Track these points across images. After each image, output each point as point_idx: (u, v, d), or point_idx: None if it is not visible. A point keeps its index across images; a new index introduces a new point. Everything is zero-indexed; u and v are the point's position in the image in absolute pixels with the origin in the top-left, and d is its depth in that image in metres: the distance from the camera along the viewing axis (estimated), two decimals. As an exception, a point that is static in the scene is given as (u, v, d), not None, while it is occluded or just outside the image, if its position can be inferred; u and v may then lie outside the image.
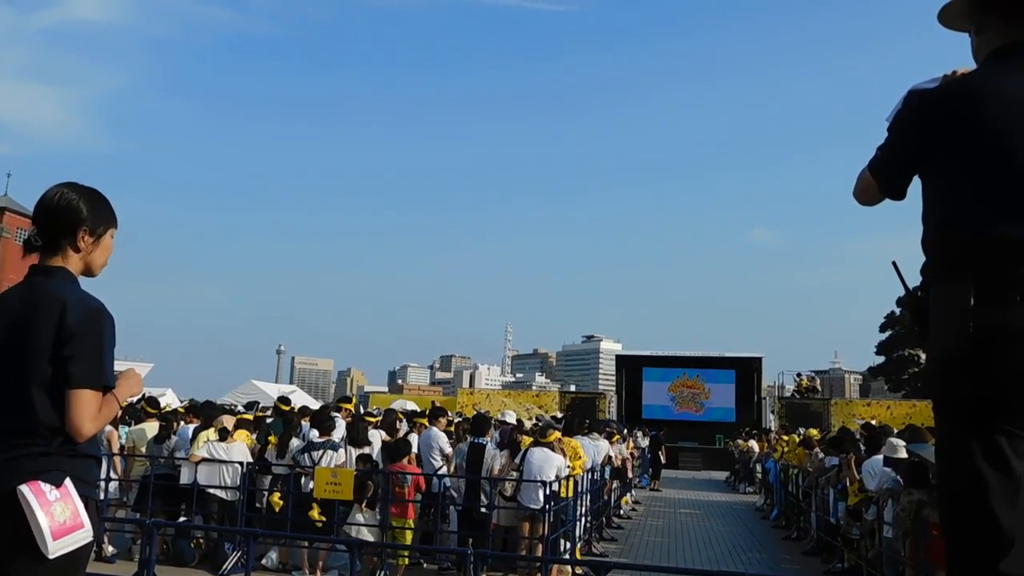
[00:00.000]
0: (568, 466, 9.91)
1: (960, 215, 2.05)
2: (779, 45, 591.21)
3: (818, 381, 47.00)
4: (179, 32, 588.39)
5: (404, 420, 13.14)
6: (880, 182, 2.28)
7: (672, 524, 15.86)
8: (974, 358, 1.92)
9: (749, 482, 24.00)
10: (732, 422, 35.55)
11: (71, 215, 2.54)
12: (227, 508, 9.72)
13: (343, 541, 8.48)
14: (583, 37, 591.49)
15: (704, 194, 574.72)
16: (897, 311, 59.70)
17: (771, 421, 36.23)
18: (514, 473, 9.37)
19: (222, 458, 9.58)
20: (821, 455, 12.76)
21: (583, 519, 11.45)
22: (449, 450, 10.48)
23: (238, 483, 9.60)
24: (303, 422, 11.21)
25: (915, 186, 2.24)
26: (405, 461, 9.43)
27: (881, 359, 65.78)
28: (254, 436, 10.58)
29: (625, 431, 22.36)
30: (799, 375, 41.86)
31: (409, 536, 9.18)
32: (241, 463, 9.61)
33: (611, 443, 15.47)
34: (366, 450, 9.94)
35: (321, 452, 9.50)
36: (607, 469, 14.21)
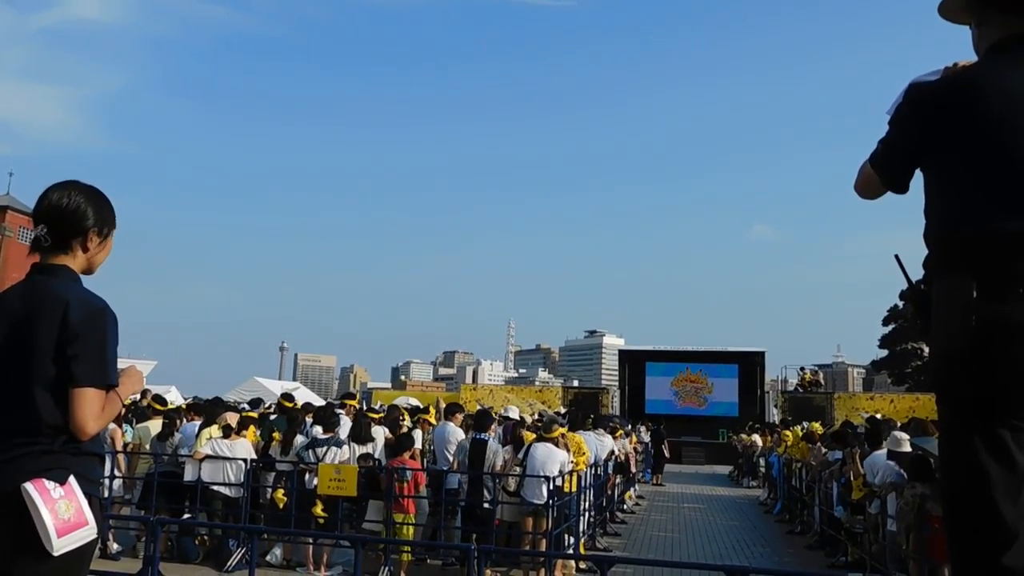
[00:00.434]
0: (571, 461, 9.92)
1: (962, 209, 2.04)
2: (779, 43, 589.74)
3: (821, 375, 46.95)
4: (179, 32, 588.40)
5: (407, 416, 13.13)
6: (882, 176, 2.27)
7: (676, 519, 15.87)
8: (976, 353, 1.92)
9: (752, 476, 24.01)
10: (735, 416, 35.55)
11: (83, 215, 2.55)
12: (231, 505, 9.74)
13: (347, 537, 8.50)
14: (584, 35, 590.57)
15: (705, 191, 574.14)
16: (900, 305, 59.59)
17: (774, 415, 36.23)
18: (517, 469, 9.38)
19: (226, 455, 9.60)
20: (824, 450, 12.75)
21: (586, 514, 11.46)
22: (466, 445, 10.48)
23: (242, 480, 9.62)
24: (307, 419, 11.23)
25: (917, 179, 2.24)
26: (407, 456, 9.44)
27: (884, 353, 65.64)
28: (258, 433, 10.61)
29: (629, 426, 22.36)
30: (802, 369, 41.85)
31: (410, 531, 9.20)
32: (245, 460, 9.63)
33: (614, 438, 15.47)
34: (368, 447, 9.96)
35: (325, 449, 9.52)
36: (610, 464, 14.22)
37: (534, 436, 9.85)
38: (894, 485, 8.26)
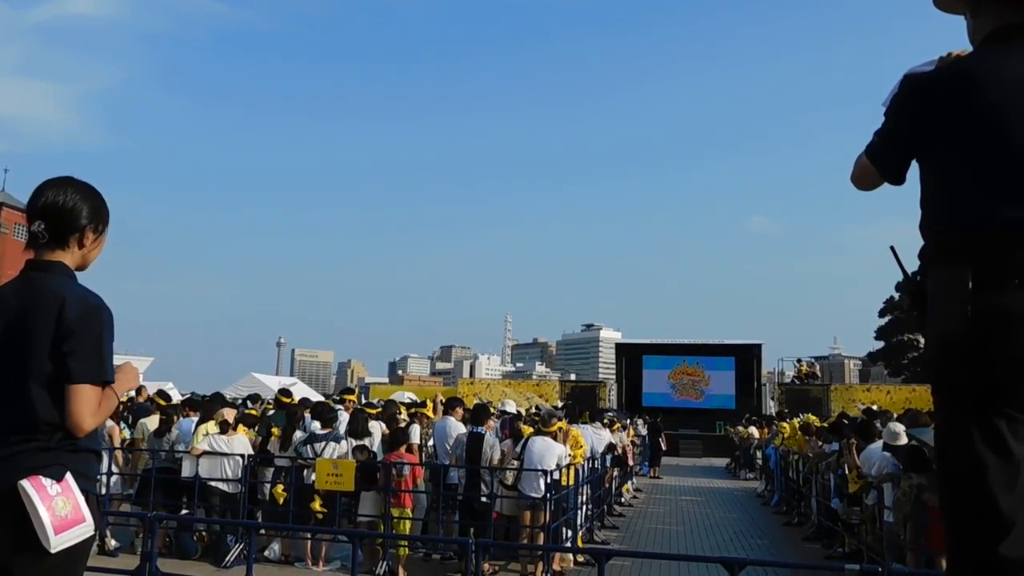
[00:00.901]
0: (569, 455, 9.93)
1: (957, 199, 2.04)
2: (776, 33, 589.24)
3: (818, 367, 47.10)
4: (174, 27, 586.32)
5: (404, 411, 13.13)
6: (878, 167, 2.27)
7: (673, 511, 15.91)
8: (973, 343, 1.92)
9: (750, 468, 24.05)
10: (732, 409, 35.59)
11: (80, 212, 2.55)
12: (229, 501, 9.75)
13: (345, 532, 8.50)
14: (578, 27, 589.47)
15: (702, 183, 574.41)
16: (896, 296, 59.73)
17: (771, 407, 36.29)
18: (515, 462, 9.39)
19: (223, 451, 9.60)
20: (821, 443, 12.78)
21: (584, 507, 11.48)
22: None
23: (239, 476, 9.62)
24: (305, 414, 11.23)
25: (913, 170, 2.23)
26: (403, 450, 9.44)
27: (880, 344, 65.84)
28: (254, 430, 10.59)
29: (627, 420, 22.40)
30: (799, 361, 41.93)
31: (408, 526, 9.21)
32: (242, 456, 9.62)
33: (611, 432, 15.49)
34: (364, 441, 9.96)
35: (324, 444, 9.52)
36: (608, 457, 14.24)
37: (532, 430, 9.86)
38: (890, 476, 8.28)
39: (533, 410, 17.88)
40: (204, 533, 9.81)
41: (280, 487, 9.57)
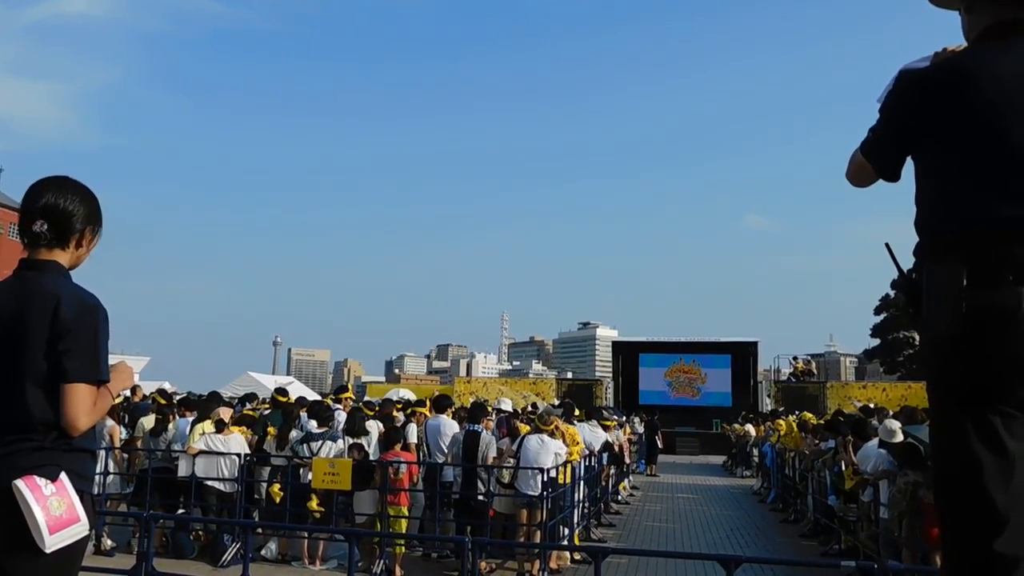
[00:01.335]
0: (567, 452, 9.93)
1: (952, 195, 2.04)
2: (770, 32, 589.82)
3: (814, 364, 47.17)
4: (169, 25, 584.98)
5: (400, 410, 13.13)
6: (873, 164, 2.27)
7: (670, 509, 15.93)
8: (967, 339, 1.92)
9: (746, 466, 24.10)
10: (728, 407, 35.67)
11: (82, 213, 2.55)
12: (225, 500, 9.74)
13: (342, 531, 8.49)
14: (575, 26, 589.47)
15: (697, 181, 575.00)
16: (892, 293, 59.78)
17: (767, 405, 36.35)
18: (511, 460, 9.39)
19: (219, 450, 9.59)
20: (817, 441, 12.80)
21: (581, 505, 11.48)
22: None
23: (236, 475, 9.61)
24: (301, 413, 11.22)
25: (908, 167, 2.23)
26: (398, 448, 9.43)
27: (876, 342, 65.93)
28: (250, 430, 10.58)
29: (624, 418, 22.40)
30: (795, 359, 42.00)
31: (404, 524, 9.21)
32: (239, 455, 9.61)
33: (607, 430, 15.49)
34: (361, 440, 9.95)
35: (320, 443, 9.51)
36: (605, 456, 14.25)
37: (529, 428, 9.86)
38: (886, 473, 8.30)
39: (529, 408, 17.89)
40: (201, 532, 9.80)
41: (276, 486, 9.57)
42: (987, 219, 1.95)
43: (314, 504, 9.17)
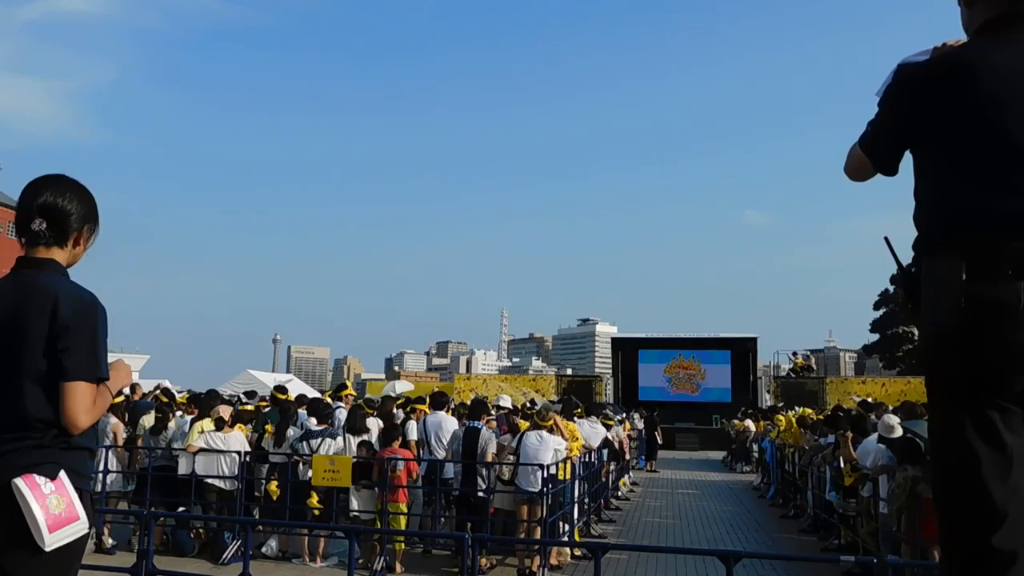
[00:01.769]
0: (567, 447, 9.93)
1: (951, 190, 2.04)
2: (769, 26, 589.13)
3: (813, 360, 47.18)
4: (166, 22, 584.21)
5: (400, 407, 13.12)
6: (872, 158, 2.27)
7: (670, 504, 15.94)
8: (966, 334, 1.92)
9: (746, 461, 24.11)
10: (728, 402, 35.68)
11: (80, 212, 2.55)
12: (225, 498, 9.74)
13: (342, 528, 8.50)
14: (574, 21, 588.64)
15: (696, 176, 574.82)
16: (891, 289, 59.78)
17: (767, 401, 36.37)
18: (511, 457, 9.39)
19: (219, 448, 9.59)
20: (816, 436, 12.80)
21: (581, 501, 11.48)
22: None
23: (236, 472, 9.61)
24: (300, 410, 11.21)
25: (907, 161, 2.23)
26: (396, 445, 9.44)
27: (875, 337, 65.92)
28: (249, 426, 10.58)
29: (623, 415, 22.40)
30: (794, 354, 42.01)
31: (403, 521, 9.22)
32: (239, 452, 9.61)
33: (608, 428, 15.49)
34: (365, 437, 9.95)
35: (319, 440, 9.51)
36: (605, 452, 14.26)
37: (528, 424, 9.86)
38: (886, 468, 8.30)
39: (528, 404, 17.89)
40: (201, 530, 9.81)
41: (273, 483, 9.57)
42: (986, 213, 1.95)
43: (314, 501, 9.17)
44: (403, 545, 9.11)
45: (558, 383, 40.93)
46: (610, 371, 41.66)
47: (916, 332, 2.26)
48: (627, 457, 18.66)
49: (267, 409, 12.01)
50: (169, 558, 8.84)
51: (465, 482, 9.61)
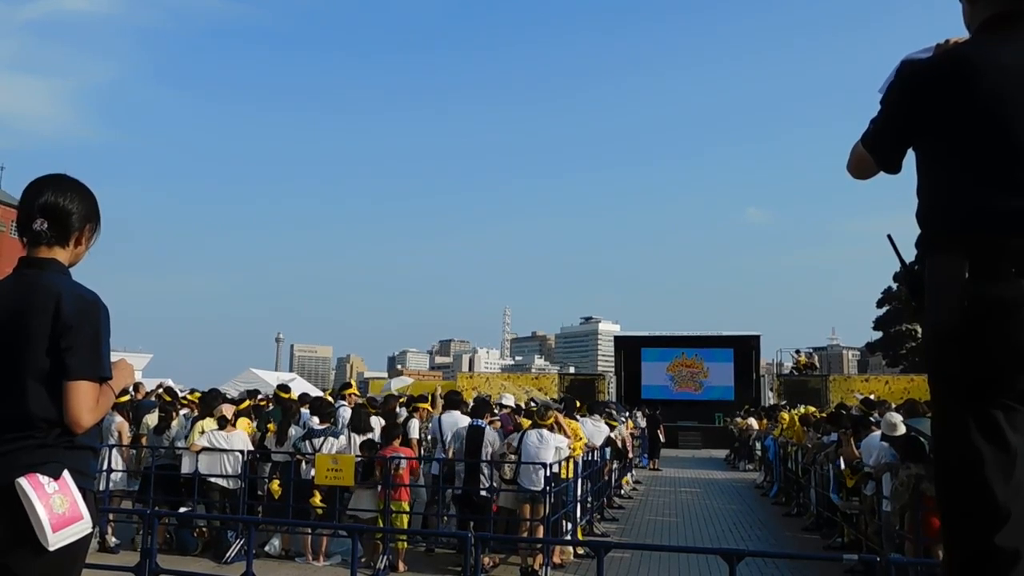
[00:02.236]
0: (569, 446, 9.93)
1: (954, 187, 2.03)
2: (769, 24, 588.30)
3: (816, 358, 47.14)
4: (168, 21, 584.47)
5: (403, 406, 13.13)
6: (874, 156, 2.26)
7: (673, 502, 15.94)
8: (969, 332, 1.91)
9: (748, 460, 24.09)
10: (731, 400, 35.68)
11: (81, 211, 2.55)
12: (228, 496, 9.75)
13: (345, 527, 8.51)
14: (576, 18, 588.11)
15: (698, 174, 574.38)
16: (894, 287, 59.71)
17: (770, 399, 36.35)
18: (512, 456, 9.39)
19: (222, 447, 9.60)
20: (819, 435, 12.79)
21: (584, 500, 11.48)
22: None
23: (239, 471, 9.62)
24: (303, 409, 11.21)
25: (909, 158, 2.22)
26: (396, 444, 9.45)
27: (879, 335, 65.86)
28: (254, 424, 10.60)
29: (626, 413, 22.40)
30: (797, 352, 41.98)
31: (405, 520, 9.22)
32: (242, 451, 9.62)
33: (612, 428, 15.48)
34: (368, 437, 9.96)
35: (322, 439, 9.52)
36: (607, 450, 14.26)
37: (529, 423, 9.86)
38: (888, 466, 8.29)
39: (531, 403, 17.89)
40: (204, 529, 9.82)
41: (275, 482, 9.58)
42: (989, 211, 1.95)
43: (317, 500, 9.18)
44: (406, 544, 9.11)
45: (561, 382, 40.94)
46: (613, 369, 41.66)
47: (919, 330, 2.26)
48: (630, 455, 18.65)
49: (270, 408, 12.02)
50: (172, 557, 8.84)
51: (468, 481, 9.60)
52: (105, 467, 9.72)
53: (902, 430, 8.12)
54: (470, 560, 6.23)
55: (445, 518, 10.03)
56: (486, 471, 9.33)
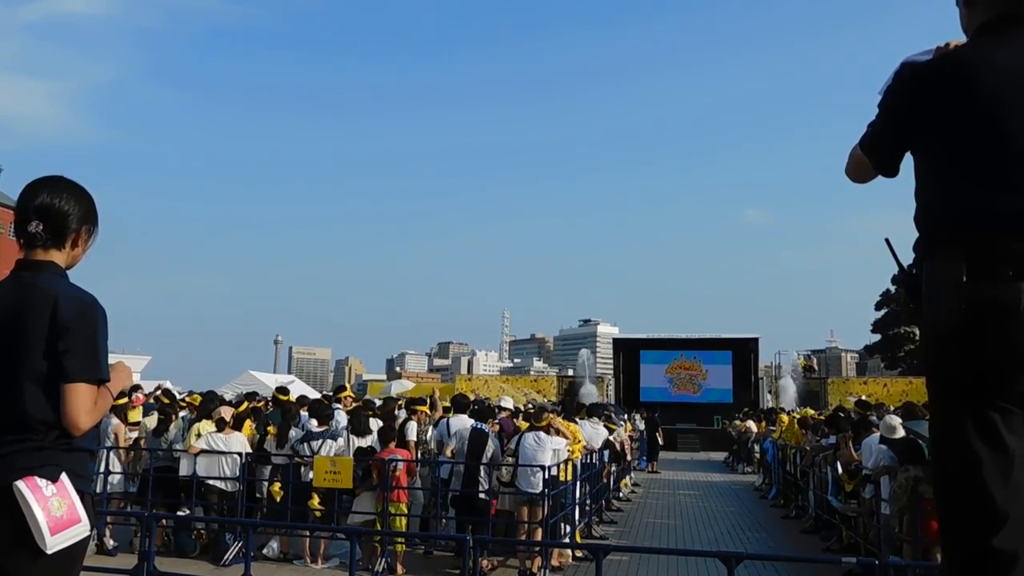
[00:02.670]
0: (568, 449, 9.92)
1: (952, 190, 2.04)
2: (768, 25, 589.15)
3: (815, 360, 47.22)
4: (167, 22, 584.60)
5: (403, 408, 13.12)
6: (873, 159, 2.27)
7: (671, 505, 15.94)
8: (967, 334, 1.92)
9: (747, 462, 24.09)
10: (729, 403, 35.68)
11: (77, 213, 2.54)
12: (227, 499, 9.74)
13: (343, 530, 8.50)
14: (575, 19, 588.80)
15: (696, 175, 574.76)
16: (892, 289, 59.77)
17: (768, 401, 36.36)
18: (510, 459, 9.38)
19: (221, 449, 9.59)
20: (818, 437, 12.79)
21: (582, 503, 11.47)
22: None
23: (237, 474, 9.61)
24: (302, 412, 11.20)
25: (907, 161, 2.23)
26: (392, 446, 9.45)
27: (877, 337, 65.94)
28: (253, 427, 10.59)
29: (625, 416, 22.40)
30: (798, 355, 42.05)
31: (403, 522, 9.22)
32: (240, 454, 9.61)
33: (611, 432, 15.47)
34: (367, 440, 9.95)
35: (320, 442, 9.51)
36: (606, 453, 14.26)
37: (527, 425, 9.85)
38: (887, 468, 8.29)
39: (529, 406, 17.88)
40: (202, 531, 9.80)
41: (277, 485, 9.57)
42: (986, 213, 1.95)
43: (316, 503, 9.17)
44: (403, 546, 9.10)
45: (559, 384, 40.95)
46: (611, 372, 41.66)
47: (917, 332, 2.26)
48: (628, 458, 18.65)
49: (270, 411, 12.01)
50: (170, 559, 8.84)
51: (467, 483, 9.60)
52: (103, 469, 9.71)
53: (901, 433, 8.12)
54: (468, 563, 6.22)
55: (444, 521, 10.02)
56: (484, 474, 9.33)
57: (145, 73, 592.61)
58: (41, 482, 2.29)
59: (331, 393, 15.96)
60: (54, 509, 2.28)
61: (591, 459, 12.44)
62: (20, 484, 2.26)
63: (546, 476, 8.90)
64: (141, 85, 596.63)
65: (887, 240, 2.29)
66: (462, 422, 10.27)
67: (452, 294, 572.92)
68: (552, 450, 9.25)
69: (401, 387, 23.29)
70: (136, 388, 13.92)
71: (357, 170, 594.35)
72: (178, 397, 14.17)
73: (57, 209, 2.51)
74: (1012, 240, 1.90)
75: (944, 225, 2.04)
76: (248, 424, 10.39)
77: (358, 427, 9.97)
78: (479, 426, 9.76)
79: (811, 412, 18.70)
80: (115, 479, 10.11)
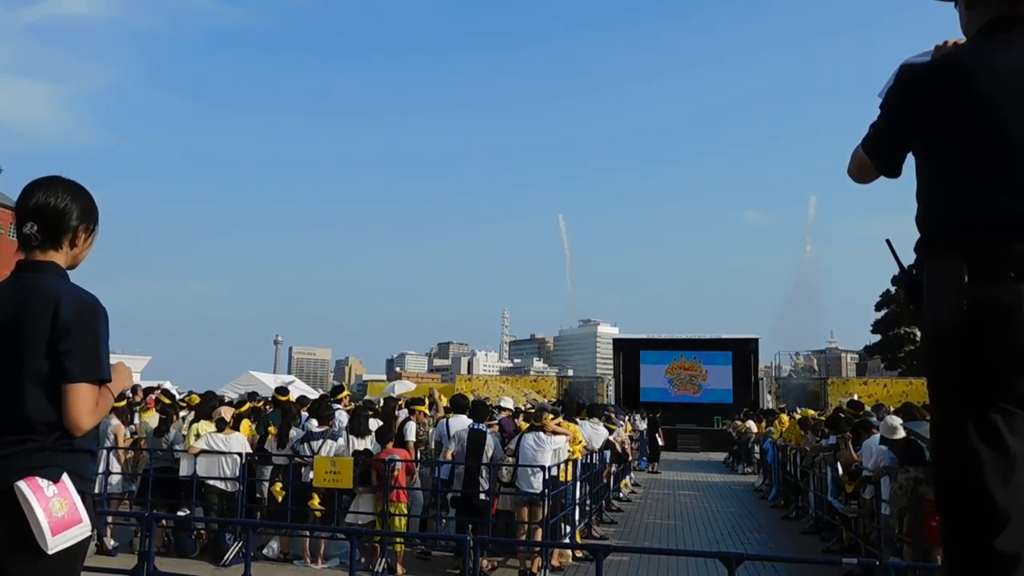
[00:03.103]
0: (568, 450, 9.92)
1: (952, 191, 2.04)
2: (768, 26, 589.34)
3: (815, 361, 47.27)
4: (167, 25, 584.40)
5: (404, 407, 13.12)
6: (874, 160, 2.27)
7: (672, 506, 15.94)
8: (968, 335, 1.92)
9: (747, 463, 24.10)
10: (729, 403, 35.68)
11: (73, 212, 2.54)
12: (227, 499, 9.74)
13: (343, 530, 8.50)
14: (574, 20, 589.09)
15: (696, 177, 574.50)
16: (892, 289, 59.78)
17: (768, 402, 36.36)
18: (510, 459, 9.39)
19: (221, 449, 9.59)
20: (818, 437, 12.80)
21: (582, 502, 11.47)
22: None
23: (237, 474, 9.61)
24: (302, 412, 11.21)
25: (909, 162, 2.23)
26: (390, 446, 9.45)
27: (877, 338, 65.93)
28: (253, 427, 10.59)
29: (626, 417, 22.41)
30: (797, 355, 42.10)
31: (403, 523, 9.22)
32: (240, 454, 9.61)
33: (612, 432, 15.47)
34: (367, 441, 9.95)
35: (320, 442, 9.51)
36: (606, 453, 14.26)
37: (527, 425, 9.85)
38: (887, 469, 8.29)
39: (529, 406, 17.88)
40: (202, 532, 9.81)
41: (278, 485, 9.57)
42: (988, 215, 1.95)
43: (316, 503, 9.17)
44: (403, 547, 9.10)
45: (559, 384, 40.95)
46: (611, 372, 41.66)
47: (918, 333, 2.26)
48: (629, 458, 18.65)
49: (270, 411, 12.02)
50: (170, 560, 8.84)
51: (467, 483, 9.60)
52: (103, 470, 9.72)
53: (901, 433, 8.12)
54: (468, 563, 6.22)
55: (444, 521, 10.02)
56: (485, 474, 9.33)
57: (145, 76, 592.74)
58: (42, 483, 2.29)
59: (329, 394, 15.96)
60: (55, 509, 2.28)
61: (591, 459, 12.44)
62: (21, 484, 2.26)
63: (546, 476, 8.90)
64: (141, 88, 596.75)
65: (888, 241, 2.30)
66: (461, 423, 10.28)
67: (452, 294, 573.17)
68: (553, 449, 9.25)
69: (404, 387, 23.19)
70: (136, 389, 13.94)
71: (357, 171, 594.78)
72: (178, 398, 14.18)
73: (52, 209, 2.50)
74: (1013, 241, 1.90)
75: (945, 226, 2.04)
76: (247, 424, 10.39)
77: (358, 428, 9.97)
78: (478, 427, 9.76)
79: (811, 413, 18.70)
80: (115, 479, 10.11)
